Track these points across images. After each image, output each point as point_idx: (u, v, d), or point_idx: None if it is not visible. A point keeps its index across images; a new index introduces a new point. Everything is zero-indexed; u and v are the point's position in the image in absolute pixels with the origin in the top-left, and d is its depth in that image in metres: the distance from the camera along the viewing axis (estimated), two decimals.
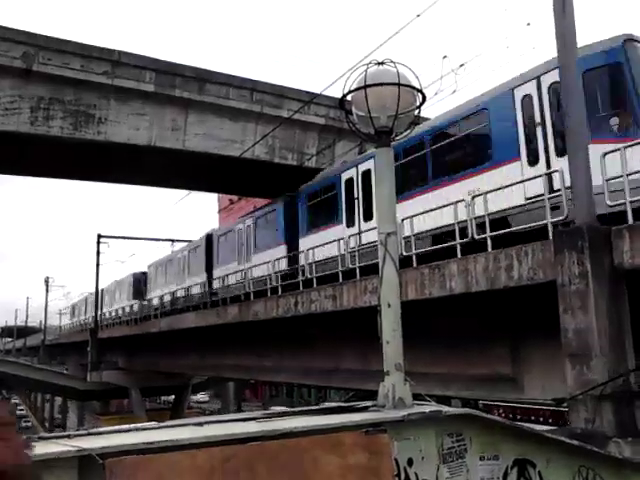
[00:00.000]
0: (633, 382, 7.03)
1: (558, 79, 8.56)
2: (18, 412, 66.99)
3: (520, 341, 10.17)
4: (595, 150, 7.96)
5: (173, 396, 43.39)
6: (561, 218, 8.63)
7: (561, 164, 9.16)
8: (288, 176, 21.31)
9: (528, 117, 10.81)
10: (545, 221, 8.82)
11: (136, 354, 32.82)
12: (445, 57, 14.94)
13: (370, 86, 4.70)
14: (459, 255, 10.09)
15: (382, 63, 4.77)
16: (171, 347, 26.43)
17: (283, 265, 17.58)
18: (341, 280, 13.38)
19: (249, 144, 20.39)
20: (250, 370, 20.97)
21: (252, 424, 3.77)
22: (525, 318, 9.85)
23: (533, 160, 10.67)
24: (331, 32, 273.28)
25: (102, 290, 41.94)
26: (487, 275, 9.08)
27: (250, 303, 17.57)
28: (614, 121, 9.44)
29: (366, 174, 15.00)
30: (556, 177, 9.30)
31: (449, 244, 10.66)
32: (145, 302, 31.92)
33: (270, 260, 17.72)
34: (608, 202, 7.97)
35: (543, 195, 9.29)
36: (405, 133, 5.13)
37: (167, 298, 27.98)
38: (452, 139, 12.67)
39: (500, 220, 10.37)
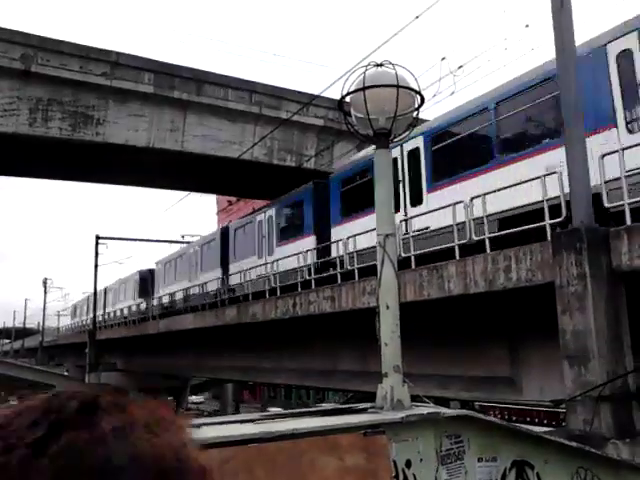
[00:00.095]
0: (631, 383, 7.03)
1: None
2: None
3: (519, 342, 10.17)
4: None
5: (171, 397, 43.32)
6: None
7: None
8: (287, 177, 21.33)
9: (627, 76, 9.27)
10: (544, 222, 8.78)
11: (135, 355, 32.80)
12: (444, 59, 14.94)
13: (369, 88, 4.70)
14: (457, 257, 10.08)
15: (381, 65, 4.77)
16: (169, 348, 26.39)
17: (313, 257, 16.17)
18: (339, 282, 13.40)
19: (248, 145, 20.39)
20: (249, 371, 20.93)
21: (250, 426, 3.76)
22: (524, 319, 9.85)
23: (634, 127, 9.11)
24: (330, 34, 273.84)
25: (105, 289, 41.36)
26: (485, 276, 9.08)
27: (248, 304, 17.55)
28: None
29: (412, 154, 13.76)
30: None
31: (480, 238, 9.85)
32: (154, 300, 30.28)
33: (299, 252, 16.33)
34: (606, 204, 7.98)
35: None
36: (404, 135, 5.14)
37: (179, 295, 26.56)
38: (526, 106, 10.90)
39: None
